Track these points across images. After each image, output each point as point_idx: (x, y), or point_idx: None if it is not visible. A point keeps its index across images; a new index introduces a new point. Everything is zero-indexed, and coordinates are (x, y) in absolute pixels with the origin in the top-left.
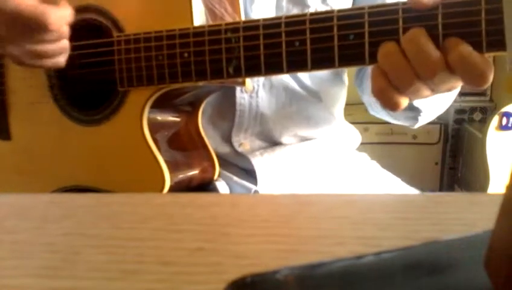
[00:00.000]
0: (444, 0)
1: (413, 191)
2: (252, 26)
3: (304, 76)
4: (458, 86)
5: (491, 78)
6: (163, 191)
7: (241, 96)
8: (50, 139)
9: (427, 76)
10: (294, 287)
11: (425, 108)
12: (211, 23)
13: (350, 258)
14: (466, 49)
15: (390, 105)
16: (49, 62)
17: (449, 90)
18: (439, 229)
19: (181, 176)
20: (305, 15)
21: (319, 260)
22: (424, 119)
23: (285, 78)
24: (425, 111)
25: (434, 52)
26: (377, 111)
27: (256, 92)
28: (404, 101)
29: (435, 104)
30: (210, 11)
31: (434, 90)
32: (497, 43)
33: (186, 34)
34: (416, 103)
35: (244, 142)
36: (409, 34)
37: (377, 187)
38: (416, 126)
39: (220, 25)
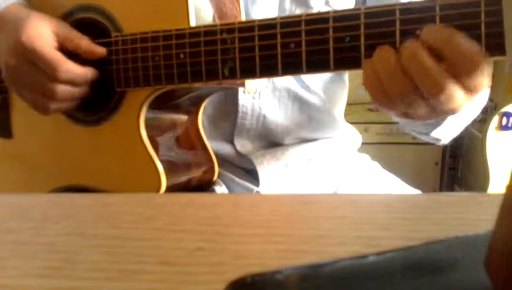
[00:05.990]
0: (443, 1)
1: (414, 192)
2: (247, 27)
3: (306, 77)
4: (462, 100)
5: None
6: (159, 192)
7: (244, 97)
8: (49, 139)
9: (434, 93)
10: (295, 287)
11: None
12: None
13: (350, 258)
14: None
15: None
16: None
17: (455, 108)
18: (439, 229)
19: (178, 177)
20: (300, 16)
21: (320, 260)
22: (445, 133)
23: (288, 80)
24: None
25: (436, 68)
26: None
27: (258, 93)
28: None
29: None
30: (219, 10)
31: (434, 109)
32: (496, 46)
33: (182, 35)
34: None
35: (246, 143)
36: (408, 49)
37: (379, 188)
38: (439, 138)
39: (216, 25)
